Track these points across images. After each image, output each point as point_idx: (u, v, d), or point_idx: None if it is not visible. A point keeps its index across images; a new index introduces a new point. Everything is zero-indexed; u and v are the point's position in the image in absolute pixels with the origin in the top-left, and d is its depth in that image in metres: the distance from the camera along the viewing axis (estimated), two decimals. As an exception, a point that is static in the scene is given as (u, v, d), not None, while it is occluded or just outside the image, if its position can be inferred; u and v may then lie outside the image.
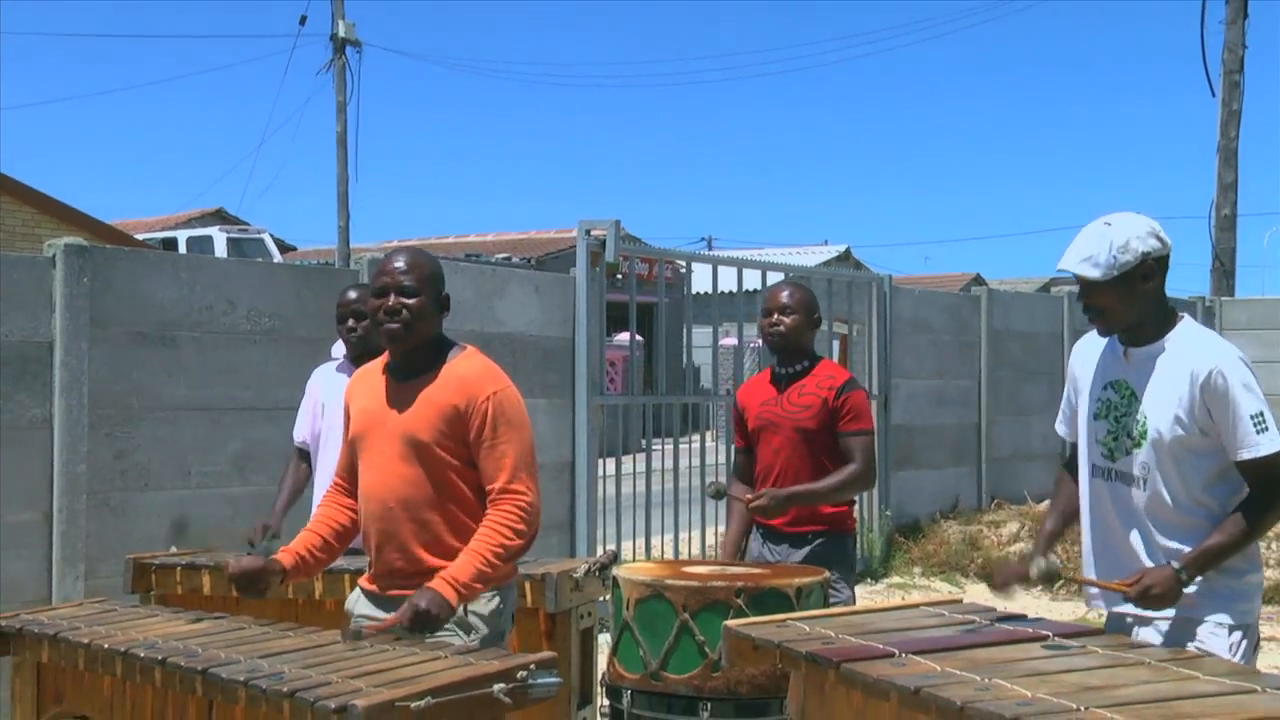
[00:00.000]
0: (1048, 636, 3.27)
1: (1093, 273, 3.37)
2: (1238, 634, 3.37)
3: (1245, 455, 3.30)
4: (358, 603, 3.75)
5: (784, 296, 4.92)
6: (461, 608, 3.52)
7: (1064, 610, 9.11)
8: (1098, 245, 3.38)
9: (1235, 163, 18.48)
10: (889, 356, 10.94)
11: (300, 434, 5.31)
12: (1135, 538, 3.44)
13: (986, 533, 11.27)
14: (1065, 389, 3.74)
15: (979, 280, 38.04)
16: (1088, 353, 3.65)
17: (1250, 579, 3.44)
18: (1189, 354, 3.38)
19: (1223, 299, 16.52)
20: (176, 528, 6.16)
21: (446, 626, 3.51)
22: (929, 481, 11.74)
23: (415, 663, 3.07)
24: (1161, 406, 3.38)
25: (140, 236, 23.89)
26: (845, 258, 33.82)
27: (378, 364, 3.78)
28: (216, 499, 6.41)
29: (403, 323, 3.58)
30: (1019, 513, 12.00)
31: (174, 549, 5.18)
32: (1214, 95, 18.19)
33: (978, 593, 9.84)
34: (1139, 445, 3.41)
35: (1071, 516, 3.80)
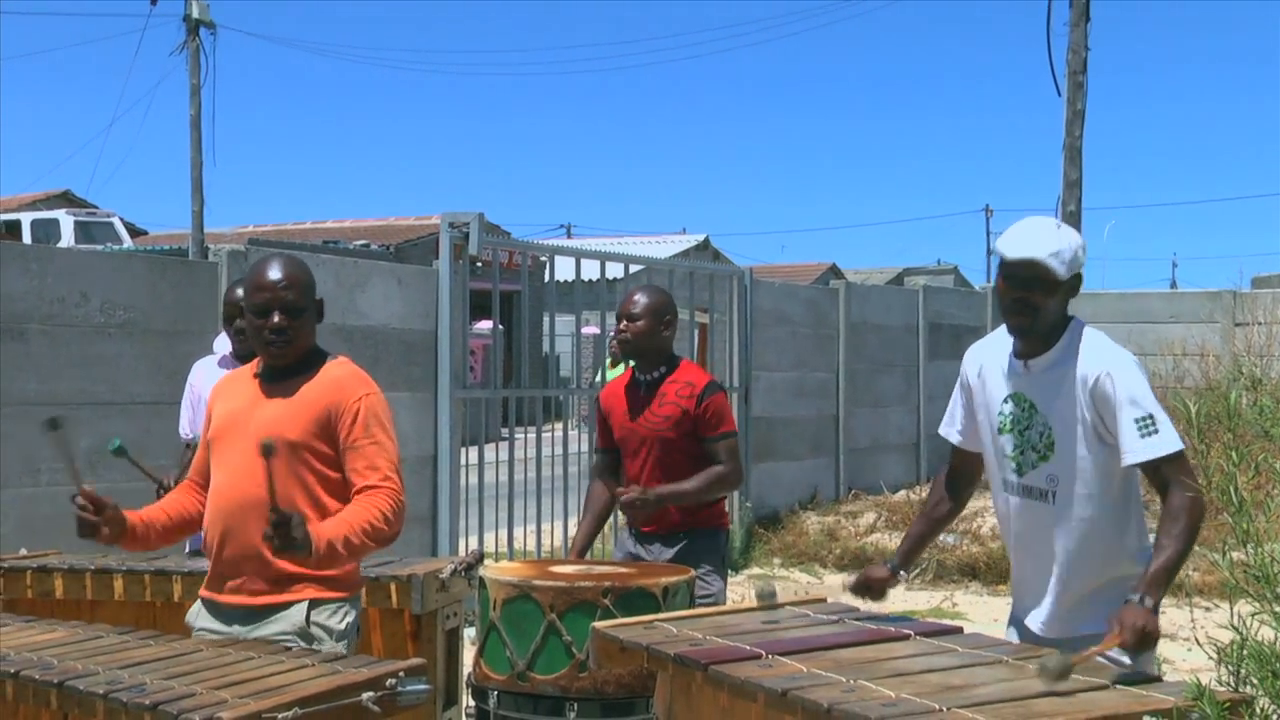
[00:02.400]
0: (910, 635, 3.34)
1: (1059, 270, 3.30)
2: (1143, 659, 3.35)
3: (1131, 459, 3.29)
4: (199, 616, 3.64)
5: (632, 304, 4.90)
6: (304, 615, 3.47)
7: (920, 599, 9.32)
8: (1060, 244, 3.32)
9: (1080, 160, 19.01)
10: (749, 349, 11.05)
11: (186, 429, 5.18)
12: (1048, 551, 3.43)
13: (844, 523, 11.46)
14: (955, 391, 3.69)
15: (835, 270, 38.65)
16: (982, 361, 3.59)
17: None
18: (1085, 358, 3.35)
19: (1069, 293, 16.99)
20: (25, 527, 5.96)
21: (285, 631, 3.45)
22: (788, 473, 11.90)
23: (282, 672, 3.02)
24: (1063, 415, 3.36)
25: (-20, 218, 23.12)
26: (704, 247, 34.02)
27: (246, 370, 3.71)
28: (68, 496, 6.19)
29: (288, 342, 3.53)
30: (876, 503, 12.24)
31: (24, 551, 5.01)
32: (1060, 95, 18.71)
33: (836, 582, 10.02)
34: (1045, 458, 3.40)
35: (939, 522, 3.85)
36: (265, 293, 3.52)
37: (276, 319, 3.51)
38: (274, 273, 3.55)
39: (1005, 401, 3.48)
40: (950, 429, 3.73)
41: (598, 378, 10.56)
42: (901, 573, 3.77)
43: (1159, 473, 3.29)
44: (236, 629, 3.50)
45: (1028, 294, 3.33)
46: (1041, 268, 3.30)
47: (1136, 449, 3.27)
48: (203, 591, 3.67)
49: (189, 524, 3.72)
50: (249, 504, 3.48)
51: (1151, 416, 3.27)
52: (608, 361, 10.91)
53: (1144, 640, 3.15)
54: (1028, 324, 3.36)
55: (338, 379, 3.57)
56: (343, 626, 3.55)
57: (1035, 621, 3.51)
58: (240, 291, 4.79)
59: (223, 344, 5.27)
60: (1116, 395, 3.29)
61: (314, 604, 3.51)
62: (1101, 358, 3.34)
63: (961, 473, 3.77)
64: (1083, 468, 3.36)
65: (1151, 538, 3.41)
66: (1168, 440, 3.27)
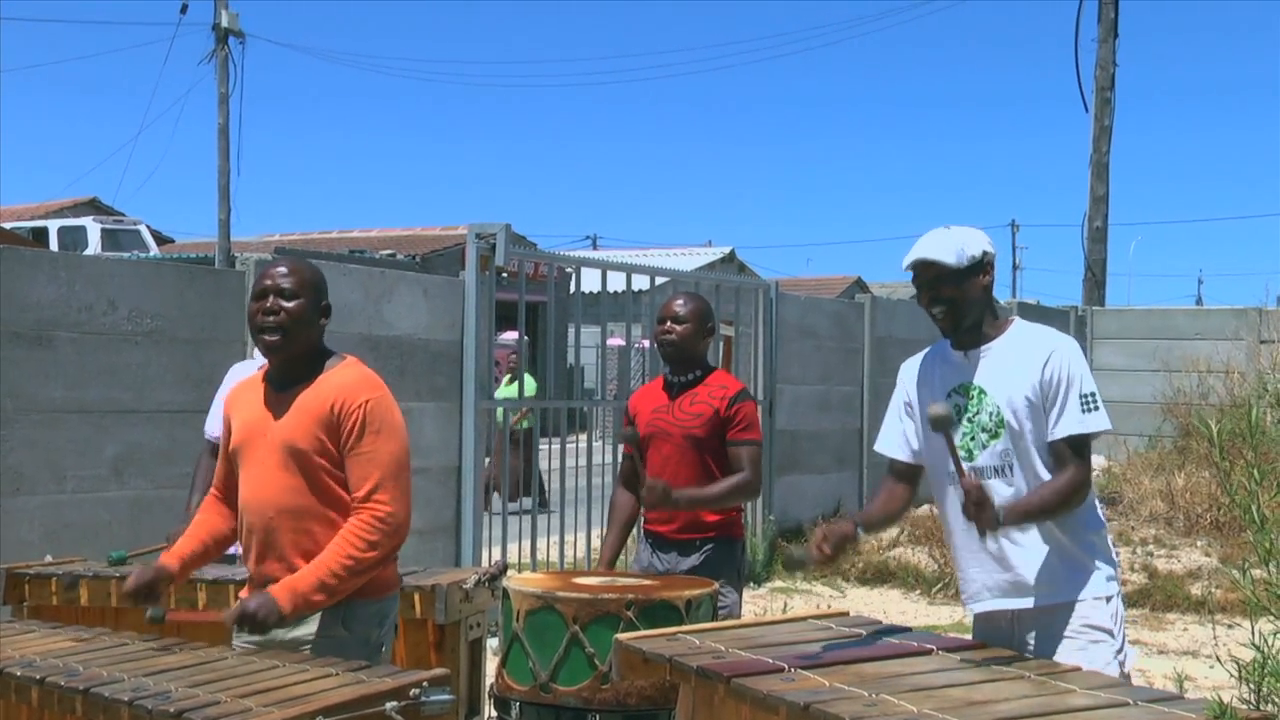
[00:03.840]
0: (932, 650, 3.34)
1: (948, 259, 3.52)
2: (1113, 602, 3.52)
3: (1068, 431, 3.45)
4: None
5: (677, 306, 4.96)
6: (340, 615, 3.49)
7: (942, 615, 9.29)
8: (944, 241, 3.57)
9: (1106, 176, 18.95)
10: (774, 362, 11.04)
11: (214, 429, 5.08)
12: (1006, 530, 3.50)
13: (867, 537, 11.40)
14: (894, 409, 3.84)
15: (860, 283, 38.59)
16: (918, 372, 3.79)
17: (1098, 538, 3.58)
18: (1029, 342, 3.58)
19: (1094, 309, 16.93)
20: (50, 534, 6.00)
21: (323, 629, 3.48)
22: (812, 486, 11.86)
23: (306, 680, 3.03)
24: (1011, 392, 3.52)
25: (8, 225, 23.26)
26: (730, 259, 34.03)
27: (258, 375, 3.73)
28: (93, 504, 6.27)
29: (279, 325, 3.54)
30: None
31: (49, 558, 5.04)
32: (1087, 111, 18.67)
33: (859, 596, 10.00)
34: (996, 436, 3.55)
35: (891, 517, 3.96)
36: (265, 280, 3.61)
37: (270, 301, 3.56)
38: (276, 265, 3.65)
39: (949, 396, 3.62)
40: (900, 448, 3.83)
41: (495, 393, 10.50)
42: (861, 531, 3.77)
43: (1074, 446, 3.48)
44: (276, 629, 3.51)
45: (935, 290, 3.56)
46: (931, 263, 3.53)
47: (1074, 422, 3.46)
48: (242, 595, 3.70)
49: (224, 543, 3.79)
50: (277, 515, 3.53)
51: (1094, 394, 3.51)
52: (507, 377, 10.82)
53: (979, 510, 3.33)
54: (952, 317, 3.58)
55: (342, 383, 3.57)
56: (380, 627, 3.59)
57: (998, 600, 3.56)
58: None
59: None
60: (1068, 372, 3.49)
61: (350, 605, 3.54)
62: (1051, 338, 3.58)
63: (907, 475, 3.86)
64: (1032, 440, 3.51)
65: (1100, 507, 3.65)
66: (1102, 419, 3.49)
